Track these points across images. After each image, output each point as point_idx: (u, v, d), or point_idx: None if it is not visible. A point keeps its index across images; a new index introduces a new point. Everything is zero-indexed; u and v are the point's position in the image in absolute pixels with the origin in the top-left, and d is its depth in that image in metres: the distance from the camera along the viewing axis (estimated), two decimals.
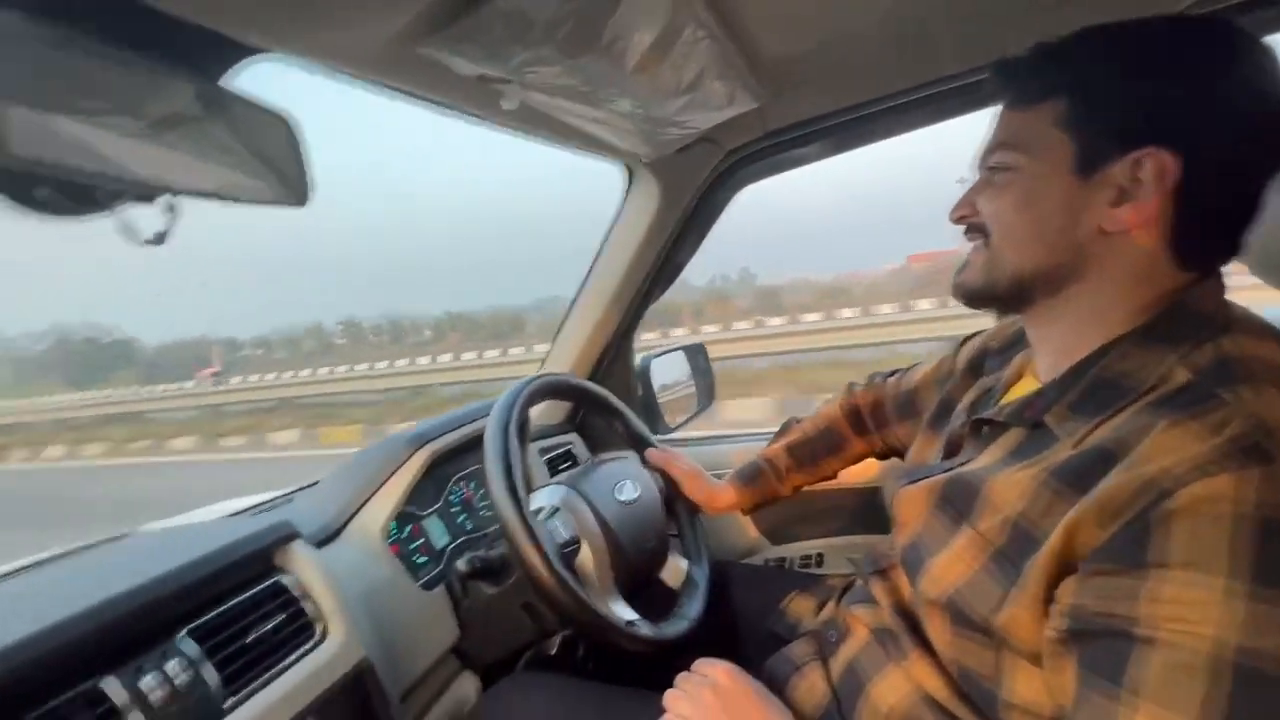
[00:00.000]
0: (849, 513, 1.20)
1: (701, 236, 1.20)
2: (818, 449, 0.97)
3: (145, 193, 0.45)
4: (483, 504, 1.06)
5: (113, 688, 0.50)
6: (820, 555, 1.22)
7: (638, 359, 1.34)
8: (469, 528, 1.01)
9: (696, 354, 1.49)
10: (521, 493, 0.75)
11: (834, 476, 1.01)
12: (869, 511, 1.19)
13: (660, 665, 0.85)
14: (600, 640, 0.76)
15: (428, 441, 0.95)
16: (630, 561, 0.84)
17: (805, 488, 1.01)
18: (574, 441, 1.28)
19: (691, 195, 1.08)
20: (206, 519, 0.89)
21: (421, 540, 0.92)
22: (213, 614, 0.59)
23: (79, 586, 0.55)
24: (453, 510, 1.00)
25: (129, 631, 0.53)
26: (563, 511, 0.82)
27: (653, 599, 0.84)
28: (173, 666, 0.54)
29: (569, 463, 1.23)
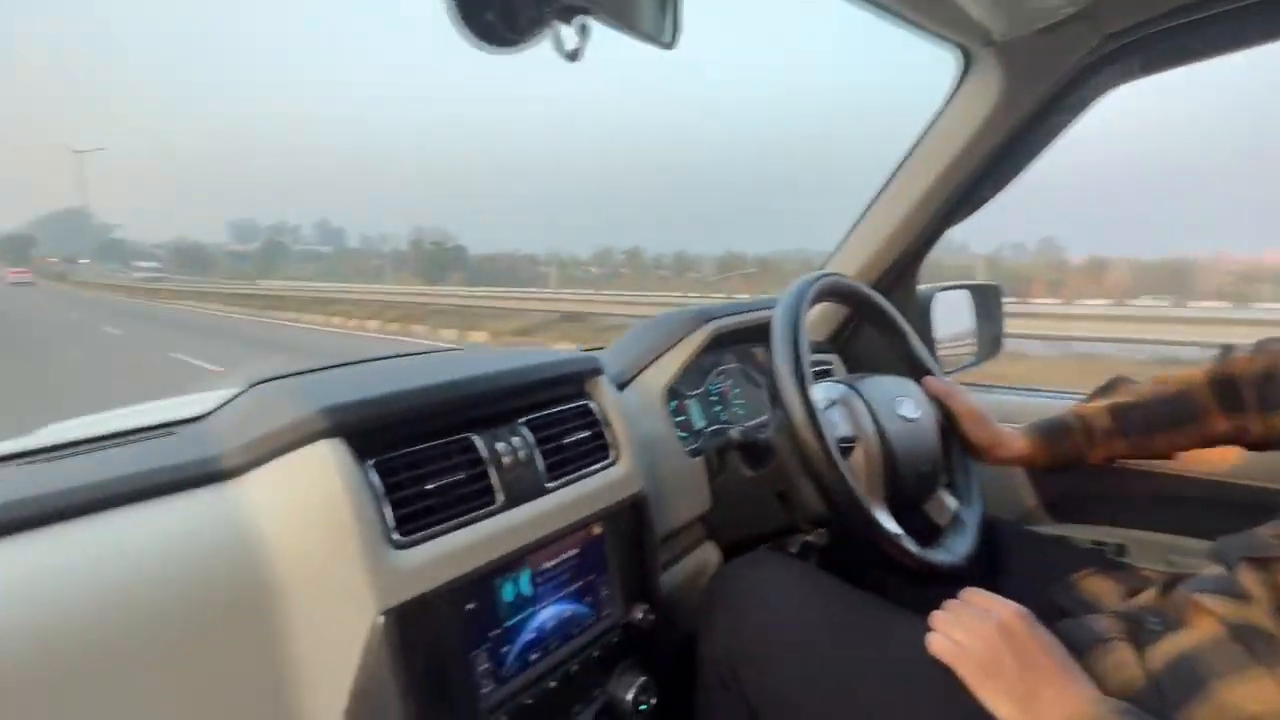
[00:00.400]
0: (1178, 507, 0.97)
1: (1038, 149, 1.01)
2: (1157, 417, 0.79)
3: (562, 14, 0.51)
4: (737, 401, 1.09)
5: (479, 442, 0.62)
6: (1122, 547, 1.01)
7: (920, 288, 1.22)
8: (722, 419, 1.04)
9: (987, 296, 1.31)
10: (807, 376, 0.73)
11: (1168, 457, 0.82)
12: (1207, 510, 0.94)
13: (910, 588, 0.79)
14: (861, 538, 0.72)
15: (713, 318, 0.99)
16: (901, 479, 0.79)
17: (1121, 462, 0.83)
18: (833, 362, 1.22)
19: (1046, 90, 0.89)
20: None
21: (684, 418, 0.98)
22: (542, 414, 0.70)
23: (447, 369, 0.68)
24: (711, 399, 1.04)
25: (490, 405, 0.65)
26: (840, 406, 0.80)
27: (913, 530, 0.78)
28: (517, 442, 0.65)
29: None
